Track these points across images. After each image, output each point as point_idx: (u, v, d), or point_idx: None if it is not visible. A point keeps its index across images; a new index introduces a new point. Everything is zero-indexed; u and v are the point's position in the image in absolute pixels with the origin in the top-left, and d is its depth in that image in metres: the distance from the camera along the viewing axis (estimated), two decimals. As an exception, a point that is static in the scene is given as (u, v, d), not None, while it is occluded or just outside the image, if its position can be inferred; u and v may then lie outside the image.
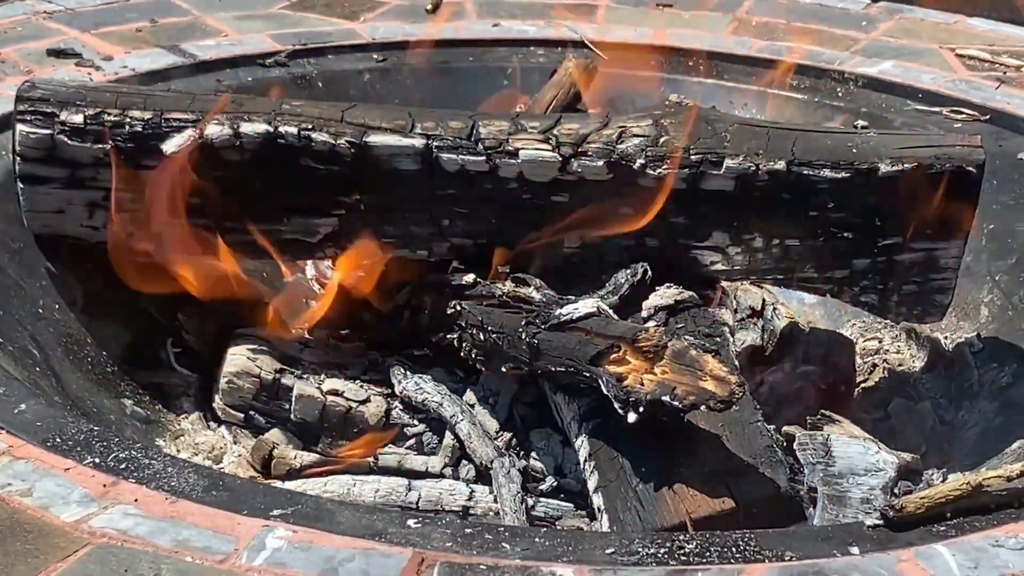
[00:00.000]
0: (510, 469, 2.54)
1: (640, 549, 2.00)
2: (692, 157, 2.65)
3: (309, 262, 3.07)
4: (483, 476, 2.60)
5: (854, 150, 2.67)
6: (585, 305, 2.47)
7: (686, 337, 2.43)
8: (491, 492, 2.55)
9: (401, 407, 2.72)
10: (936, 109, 3.62)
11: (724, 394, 2.20)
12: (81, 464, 2.11)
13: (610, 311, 2.52)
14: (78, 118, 2.68)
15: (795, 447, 2.54)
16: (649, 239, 2.70)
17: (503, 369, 2.60)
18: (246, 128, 2.66)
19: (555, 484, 2.59)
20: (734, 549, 2.01)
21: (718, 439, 2.34)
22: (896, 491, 2.50)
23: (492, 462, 2.56)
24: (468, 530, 2.03)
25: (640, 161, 2.64)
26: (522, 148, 2.66)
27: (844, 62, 3.90)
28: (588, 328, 2.40)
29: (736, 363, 2.58)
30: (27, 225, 2.77)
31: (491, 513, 2.53)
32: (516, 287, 2.63)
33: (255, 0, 4.21)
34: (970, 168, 2.67)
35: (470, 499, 2.55)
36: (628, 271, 2.67)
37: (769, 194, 2.67)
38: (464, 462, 2.64)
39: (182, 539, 1.95)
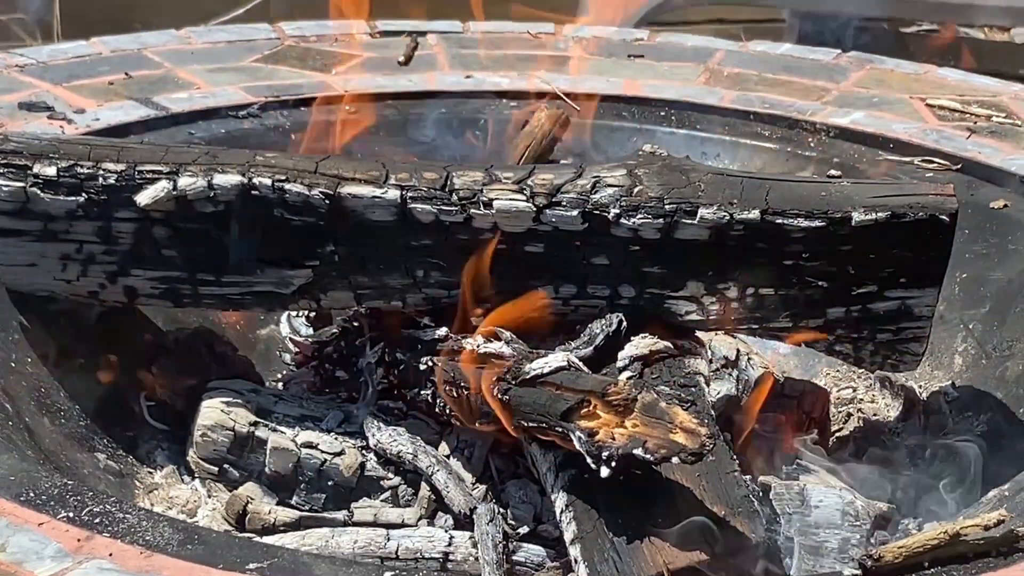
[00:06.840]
0: (494, 516, 2.53)
1: (618, 600, 1.99)
2: (666, 207, 2.65)
3: (284, 314, 3.06)
4: (461, 525, 2.58)
5: (827, 199, 2.68)
6: (555, 359, 2.46)
7: (658, 389, 2.43)
8: (470, 538, 2.54)
9: (376, 460, 2.70)
10: (908, 159, 3.64)
11: (694, 446, 2.19)
12: (55, 519, 2.10)
13: (580, 364, 2.50)
14: (51, 170, 2.67)
15: (771, 497, 2.54)
16: (624, 289, 2.70)
17: (477, 425, 2.60)
18: (220, 180, 2.65)
19: (531, 531, 2.57)
20: (713, 600, 2.01)
21: (693, 490, 2.34)
22: (873, 540, 2.50)
23: (475, 507, 2.55)
24: (445, 583, 2.02)
25: (615, 211, 2.64)
26: (496, 198, 2.65)
27: (816, 112, 3.92)
28: (558, 383, 2.39)
29: (712, 414, 2.58)
30: (-1, 279, 2.76)
31: (471, 559, 2.51)
32: (486, 341, 2.62)
33: (228, 53, 4.22)
34: (943, 217, 2.68)
35: (449, 545, 2.54)
36: (603, 321, 2.67)
37: (743, 243, 2.67)
38: (440, 514, 2.62)
39: (157, 593, 1.94)
